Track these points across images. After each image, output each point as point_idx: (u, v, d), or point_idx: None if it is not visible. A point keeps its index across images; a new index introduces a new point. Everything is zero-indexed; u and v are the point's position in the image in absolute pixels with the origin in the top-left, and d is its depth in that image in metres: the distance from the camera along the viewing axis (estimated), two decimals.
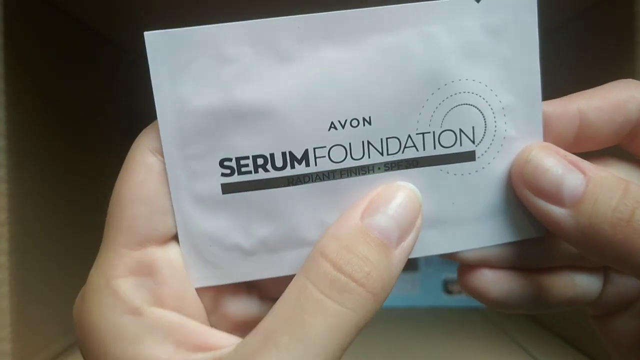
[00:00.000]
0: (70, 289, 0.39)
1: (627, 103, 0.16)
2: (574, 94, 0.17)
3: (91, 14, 0.38)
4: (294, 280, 0.15)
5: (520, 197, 0.16)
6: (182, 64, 0.15)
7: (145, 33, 0.15)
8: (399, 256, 0.15)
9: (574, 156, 0.16)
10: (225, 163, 0.16)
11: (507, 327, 0.44)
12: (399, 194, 0.16)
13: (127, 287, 0.15)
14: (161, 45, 0.15)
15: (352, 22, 0.15)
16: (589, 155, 0.17)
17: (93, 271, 0.16)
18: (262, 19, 0.15)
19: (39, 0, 0.33)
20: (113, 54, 0.46)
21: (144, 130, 0.16)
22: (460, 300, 0.50)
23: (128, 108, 0.48)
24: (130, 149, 0.16)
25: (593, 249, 0.15)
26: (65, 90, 0.37)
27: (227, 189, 0.16)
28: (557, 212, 0.15)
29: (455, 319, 0.47)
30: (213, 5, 0.35)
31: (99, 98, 0.43)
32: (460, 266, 0.18)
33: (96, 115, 0.43)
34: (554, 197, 0.15)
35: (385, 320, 0.47)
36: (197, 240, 0.16)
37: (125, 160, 0.16)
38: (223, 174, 0.16)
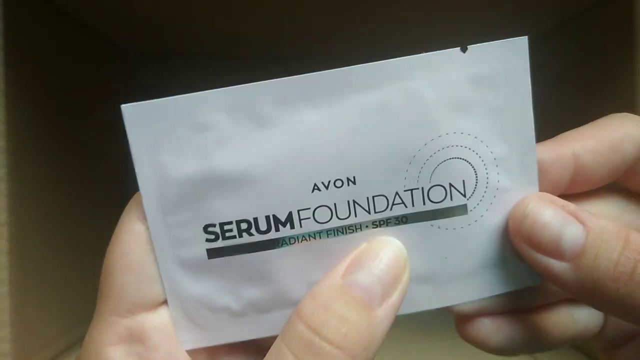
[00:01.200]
0: (70, 289, 0.39)
1: (622, 143, 0.16)
2: (567, 133, 0.17)
3: (91, 14, 0.38)
4: (273, 344, 0.15)
5: (518, 250, 0.16)
6: (160, 134, 0.15)
7: (122, 106, 0.15)
8: (383, 314, 0.15)
9: (573, 206, 0.15)
10: (209, 229, 0.16)
11: None
12: (383, 250, 0.16)
13: (117, 355, 0.16)
14: (138, 117, 0.15)
15: (329, 83, 0.15)
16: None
17: (86, 338, 0.16)
18: (238, 85, 0.15)
19: (39, 0, 0.33)
20: (113, 53, 0.46)
21: (133, 197, 0.17)
22: None
23: None
24: (121, 217, 0.17)
25: (595, 302, 0.15)
26: (65, 90, 0.37)
27: (212, 253, 0.16)
28: (557, 266, 0.15)
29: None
30: (210, 5, 0.35)
31: (99, 98, 0.43)
32: (457, 317, 0.18)
33: (96, 115, 0.43)
34: (554, 251, 0.15)
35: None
36: (186, 304, 0.17)
37: (116, 228, 0.16)
38: (208, 240, 0.16)
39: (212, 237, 0.16)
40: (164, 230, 0.16)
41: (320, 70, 0.15)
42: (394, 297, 0.15)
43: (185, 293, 0.16)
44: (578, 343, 0.18)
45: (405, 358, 0.38)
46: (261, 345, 0.18)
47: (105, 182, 0.44)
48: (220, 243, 0.16)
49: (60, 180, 0.36)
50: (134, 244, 0.16)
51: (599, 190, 0.17)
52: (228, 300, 0.17)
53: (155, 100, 0.15)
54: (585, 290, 0.14)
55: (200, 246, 0.16)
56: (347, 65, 0.15)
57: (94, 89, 0.43)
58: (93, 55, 0.42)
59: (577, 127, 0.18)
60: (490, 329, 0.17)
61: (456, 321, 0.18)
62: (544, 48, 0.42)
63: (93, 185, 0.42)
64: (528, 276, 0.17)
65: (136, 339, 0.16)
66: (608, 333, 0.18)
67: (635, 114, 0.32)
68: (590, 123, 0.17)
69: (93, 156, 0.42)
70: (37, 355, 0.32)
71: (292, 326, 0.15)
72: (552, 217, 0.15)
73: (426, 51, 0.15)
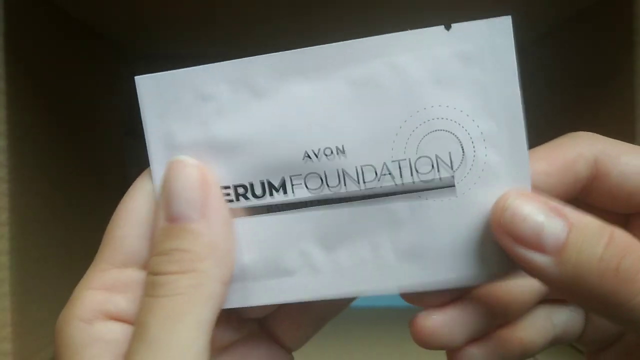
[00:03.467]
0: (71, 289, 0.39)
1: (574, 163, 0.16)
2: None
3: (91, 14, 0.38)
4: None
5: (501, 244, 0.16)
6: (169, 103, 0.17)
7: (136, 77, 0.17)
8: (209, 222, 0.16)
9: (555, 201, 0.15)
10: None
11: None
12: (172, 172, 0.16)
13: (94, 298, 0.16)
14: (150, 87, 0.17)
15: (321, 57, 0.16)
16: None
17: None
18: (238, 59, 0.16)
19: (39, 0, 0.33)
20: (113, 54, 0.46)
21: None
22: None
23: (128, 108, 0.48)
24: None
25: (578, 297, 0.15)
26: (65, 90, 0.37)
27: None
28: (540, 259, 0.14)
29: None
30: (210, 7, 0.35)
31: (99, 98, 0.44)
32: (447, 354, 0.18)
33: (96, 114, 0.43)
34: (535, 244, 0.15)
35: (384, 320, 0.47)
36: None
37: (131, 186, 0.17)
38: None
39: None
40: None
41: None
42: (211, 200, 0.16)
43: None
44: (561, 344, 0.19)
45: (404, 358, 0.39)
46: (244, 314, 0.18)
47: (106, 182, 0.44)
48: None
49: (60, 180, 0.36)
50: (142, 200, 0.17)
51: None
52: None
53: (165, 72, 0.17)
54: (568, 286, 0.14)
55: None
56: None
57: (95, 89, 0.43)
58: (93, 55, 0.42)
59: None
60: (479, 356, 0.18)
61: (447, 356, 0.18)
62: (544, 48, 0.42)
63: (93, 184, 0.42)
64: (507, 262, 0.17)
65: (119, 290, 0.16)
66: (589, 336, 0.18)
67: (635, 114, 0.32)
68: (546, 143, 0.17)
69: (93, 156, 0.42)
70: (38, 354, 0.32)
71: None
72: (533, 210, 0.15)
73: None
